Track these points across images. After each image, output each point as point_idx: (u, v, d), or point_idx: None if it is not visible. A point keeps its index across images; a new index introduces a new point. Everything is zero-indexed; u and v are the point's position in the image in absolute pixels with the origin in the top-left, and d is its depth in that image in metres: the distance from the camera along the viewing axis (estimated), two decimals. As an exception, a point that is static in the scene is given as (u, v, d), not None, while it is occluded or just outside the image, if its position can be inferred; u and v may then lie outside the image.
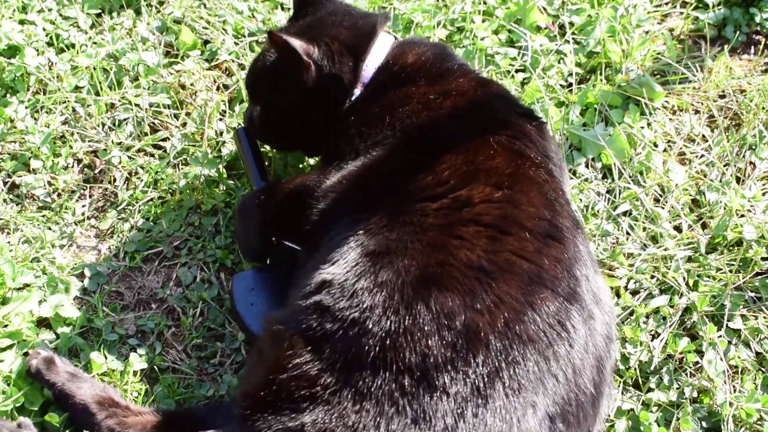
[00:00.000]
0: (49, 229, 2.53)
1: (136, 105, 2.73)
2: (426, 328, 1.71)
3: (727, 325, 2.33)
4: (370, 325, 1.74)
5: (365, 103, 2.28)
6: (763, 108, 2.79)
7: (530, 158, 2.06)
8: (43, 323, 2.33)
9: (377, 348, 1.71)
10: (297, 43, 2.21)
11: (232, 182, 2.59)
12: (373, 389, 1.67)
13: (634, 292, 2.43)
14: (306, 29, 2.34)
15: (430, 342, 1.70)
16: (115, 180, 2.63)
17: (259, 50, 2.51)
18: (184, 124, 2.72)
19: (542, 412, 1.69)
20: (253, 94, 2.46)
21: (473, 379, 1.66)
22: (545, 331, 1.75)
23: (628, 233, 2.52)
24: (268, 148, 2.60)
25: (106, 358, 2.26)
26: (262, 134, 2.47)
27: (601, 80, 2.86)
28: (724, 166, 2.67)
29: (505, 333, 1.71)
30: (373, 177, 2.10)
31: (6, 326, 2.26)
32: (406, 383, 1.67)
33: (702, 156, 2.70)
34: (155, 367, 2.28)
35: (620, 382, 2.26)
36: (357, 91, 2.30)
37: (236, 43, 2.93)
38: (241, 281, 2.29)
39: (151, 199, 2.58)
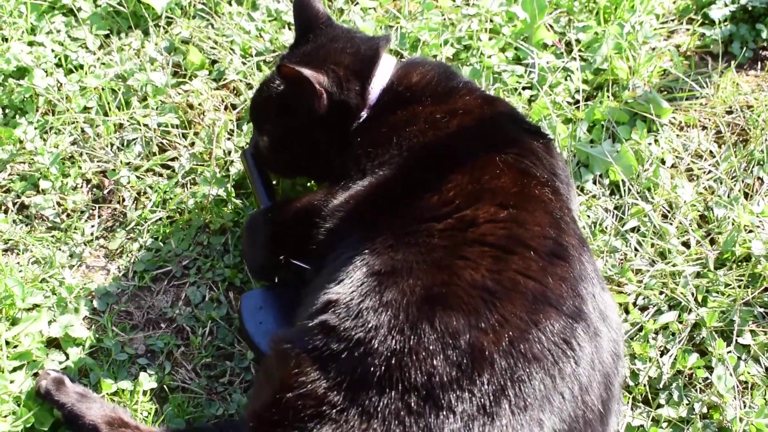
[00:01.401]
0: (59, 249, 2.54)
1: (145, 125, 2.74)
2: (431, 348, 1.71)
3: (736, 340, 2.33)
4: (376, 345, 1.74)
5: (372, 123, 2.28)
6: (771, 123, 2.80)
7: (536, 177, 2.06)
8: (52, 343, 2.34)
9: (383, 367, 1.71)
10: (308, 73, 2.20)
11: (240, 201, 2.60)
12: (379, 408, 1.67)
13: (643, 308, 2.42)
14: (310, 57, 2.35)
15: (435, 361, 1.70)
16: (123, 200, 2.64)
17: (261, 81, 2.50)
18: (193, 144, 2.73)
19: (549, 430, 1.69)
20: (259, 125, 2.46)
21: (479, 397, 1.67)
22: (550, 350, 1.75)
23: (636, 249, 2.52)
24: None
25: (115, 378, 2.27)
26: (271, 163, 2.48)
27: (608, 97, 2.86)
28: (732, 181, 2.67)
29: (510, 351, 1.71)
30: (380, 196, 2.10)
31: (16, 347, 2.27)
32: (413, 402, 1.67)
33: (710, 172, 2.70)
34: (165, 386, 2.28)
35: (630, 398, 2.26)
36: (363, 114, 2.30)
37: (244, 63, 2.94)
38: (250, 300, 2.30)
39: (160, 219, 2.59)
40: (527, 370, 1.71)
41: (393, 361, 1.72)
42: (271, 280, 2.35)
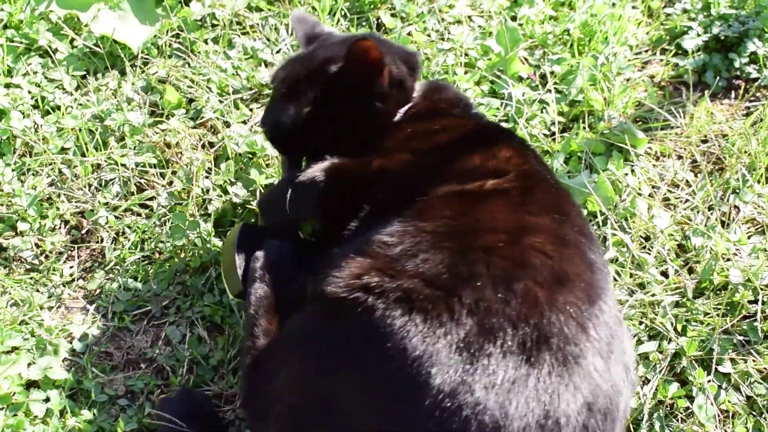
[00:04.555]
0: (38, 291, 2.53)
1: (122, 165, 2.74)
2: (481, 283, 1.75)
3: (716, 369, 2.33)
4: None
5: (418, 111, 2.42)
6: (746, 152, 2.81)
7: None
8: (32, 385, 2.32)
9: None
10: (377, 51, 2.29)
11: (219, 240, 2.59)
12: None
13: (623, 339, 2.43)
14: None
15: (486, 291, 1.73)
16: (102, 240, 2.64)
17: (299, 56, 2.53)
18: (171, 183, 2.73)
19: (581, 398, 1.68)
20: (296, 95, 2.42)
21: (521, 334, 1.67)
22: (597, 330, 1.77)
23: (615, 279, 2.52)
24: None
25: (95, 418, 2.25)
26: (296, 134, 2.44)
27: (584, 128, 2.88)
28: (709, 210, 2.69)
29: (562, 310, 1.73)
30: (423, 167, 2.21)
31: (-5, 390, 2.26)
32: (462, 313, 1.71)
33: (686, 201, 2.72)
34: (144, 427, 2.27)
35: (612, 429, 2.25)
36: (404, 109, 2.42)
37: (221, 101, 2.94)
38: (246, 232, 2.35)
39: (139, 259, 2.58)
40: (574, 333, 1.72)
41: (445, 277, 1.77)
42: (293, 233, 2.45)
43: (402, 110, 2.41)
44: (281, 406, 1.89)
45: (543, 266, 1.80)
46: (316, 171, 2.32)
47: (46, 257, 2.61)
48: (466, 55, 3.13)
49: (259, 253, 2.28)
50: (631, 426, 2.26)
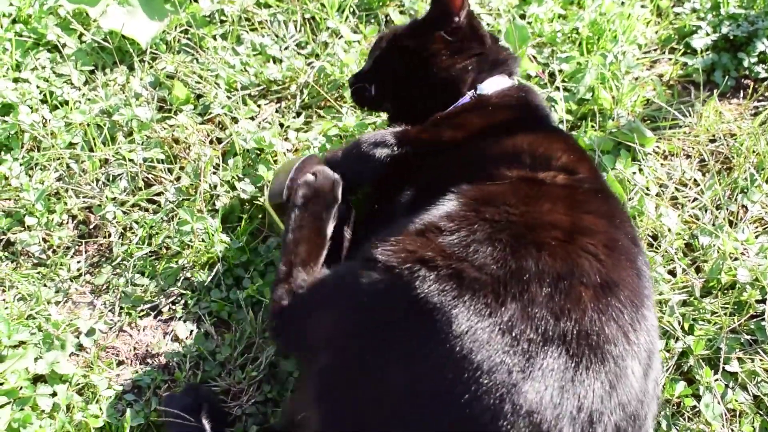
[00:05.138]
0: (45, 285, 2.53)
1: (130, 160, 2.74)
2: (528, 276, 1.77)
3: (723, 368, 2.33)
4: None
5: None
6: (754, 151, 2.81)
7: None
8: (39, 380, 2.33)
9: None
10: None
11: (226, 236, 2.59)
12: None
13: (630, 338, 2.42)
14: None
15: (532, 285, 1.75)
16: (109, 235, 2.63)
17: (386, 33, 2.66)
18: (179, 179, 2.73)
19: (617, 398, 1.69)
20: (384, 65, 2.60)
21: (563, 326, 1.69)
22: (637, 334, 1.78)
23: (622, 278, 2.52)
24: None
25: (102, 413, 2.25)
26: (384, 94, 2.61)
27: (593, 127, 2.87)
28: (717, 209, 2.68)
29: (604, 311, 1.74)
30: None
31: (2, 384, 2.25)
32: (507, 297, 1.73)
33: (694, 200, 2.72)
34: (151, 423, 2.27)
35: (618, 428, 2.25)
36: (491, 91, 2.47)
37: (229, 97, 2.95)
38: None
39: (146, 254, 2.58)
40: (614, 335, 1.73)
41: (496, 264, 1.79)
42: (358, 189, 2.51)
43: (491, 93, 2.46)
44: (323, 355, 1.90)
45: (591, 268, 1.81)
46: (386, 133, 2.37)
47: (54, 252, 2.61)
48: (475, 52, 3.12)
49: (310, 178, 2.31)
50: (637, 425, 2.26)
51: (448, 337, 1.66)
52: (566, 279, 1.76)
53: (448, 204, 2.01)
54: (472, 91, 2.44)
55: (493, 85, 2.46)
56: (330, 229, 2.27)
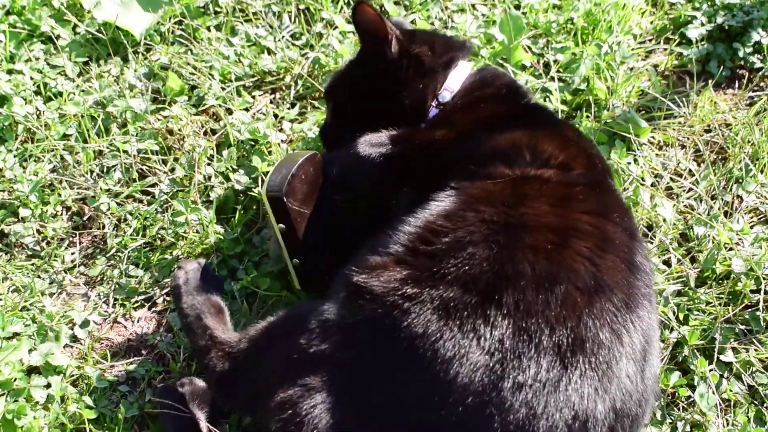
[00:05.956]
0: (39, 277, 2.53)
1: (124, 151, 2.74)
2: (524, 283, 1.77)
3: (718, 358, 2.33)
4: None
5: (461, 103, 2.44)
6: (749, 141, 2.81)
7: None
8: (33, 371, 2.32)
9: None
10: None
11: (221, 227, 2.59)
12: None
13: (625, 328, 2.42)
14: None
15: (527, 293, 1.75)
16: (103, 227, 2.63)
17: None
18: (173, 170, 2.73)
19: (610, 402, 1.71)
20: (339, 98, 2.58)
21: (558, 335, 1.70)
22: (632, 338, 1.79)
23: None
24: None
25: (96, 404, 2.25)
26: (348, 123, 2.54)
27: (588, 117, 2.87)
28: (712, 199, 2.68)
29: (599, 317, 1.75)
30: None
31: (-4, 376, 2.26)
32: (498, 314, 1.73)
33: (689, 190, 2.71)
34: (145, 414, 2.27)
35: (613, 418, 2.25)
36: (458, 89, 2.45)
37: (223, 88, 2.94)
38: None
39: (141, 245, 2.58)
40: (610, 340, 1.74)
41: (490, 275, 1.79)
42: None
43: (456, 90, 2.44)
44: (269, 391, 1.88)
45: (586, 272, 1.81)
46: (381, 136, 2.36)
47: (48, 243, 2.61)
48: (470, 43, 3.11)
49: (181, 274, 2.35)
50: (632, 415, 2.26)
51: (433, 365, 1.69)
52: (562, 284, 1.77)
53: (445, 202, 2.02)
54: (435, 101, 2.43)
55: (454, 83, 2.45)
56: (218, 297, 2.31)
